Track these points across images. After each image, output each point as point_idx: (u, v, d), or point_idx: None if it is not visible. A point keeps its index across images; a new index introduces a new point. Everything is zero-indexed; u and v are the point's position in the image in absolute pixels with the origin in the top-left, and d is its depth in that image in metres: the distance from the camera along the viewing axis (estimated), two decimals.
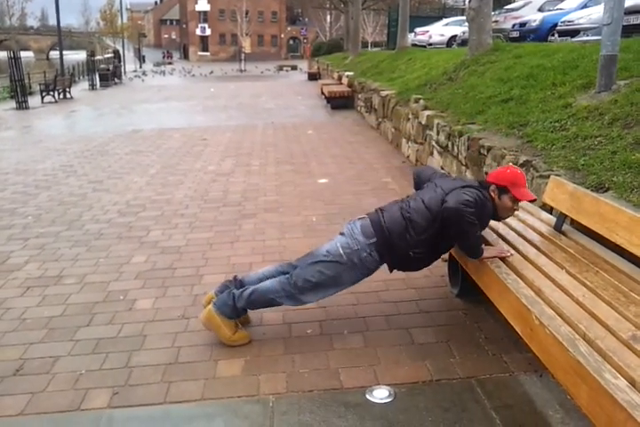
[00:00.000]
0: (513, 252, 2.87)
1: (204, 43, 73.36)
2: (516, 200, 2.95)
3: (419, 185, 3.33)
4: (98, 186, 6.70)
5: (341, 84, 16.01)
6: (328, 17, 51.37)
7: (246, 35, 55.35)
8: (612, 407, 1.71)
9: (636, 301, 2.25)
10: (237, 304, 2.97)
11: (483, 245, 2.90)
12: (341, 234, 3.05)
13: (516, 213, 3.43)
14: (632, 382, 1.76)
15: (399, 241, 2.91)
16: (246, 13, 55.54)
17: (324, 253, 2.96)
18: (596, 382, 1.78)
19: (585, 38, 8.78)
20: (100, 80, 25.48)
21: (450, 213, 2.75)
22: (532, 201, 3.04)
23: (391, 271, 3.13)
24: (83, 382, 2.71)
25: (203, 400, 2.56)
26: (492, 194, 2.95)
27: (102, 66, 28.53)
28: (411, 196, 3.16)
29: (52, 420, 2.46)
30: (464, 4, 32.53)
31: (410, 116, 7.86)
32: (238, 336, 3.01)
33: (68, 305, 3.53)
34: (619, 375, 1.79)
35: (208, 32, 72.39)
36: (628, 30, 6.65)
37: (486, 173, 4.65)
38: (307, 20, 73.48)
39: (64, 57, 24.92)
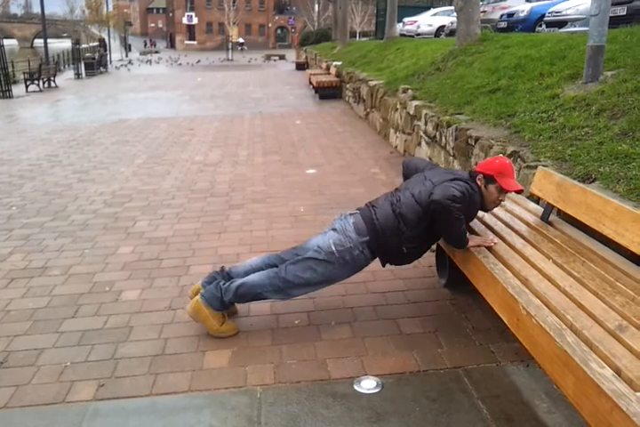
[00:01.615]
0: (498, 240, 2.87)
1: (190, 31, 72.65)
2: (502, 190, 2.94)
3: (407, 176, 3.31)
4: (83, 176, 6.63)
5: (329, 73, 15.92)
6: (316, 6, 50.97)
7: (234, 24, 54.90)
8: (598, 397, 1.71)
9: (621, 291, 2.26)
10: (225, 298, 2.94)
11: (468, 235, 2.91)
12: (333, 230, 2.99)
13: (502, 202, 3.45)
14: (617, 372, 1.77)
15: (392, 238, 2.90)
16: (233, 2, 55.19)
17: (315, 249, 2.92)
18: (583, 371, 1.79)
19: (572, 29, 8.78)
20: (86, 69, 25.14)
21: (437, 206, 2.75)
22: (518, 192, 3.03)
23: (384, 266, 3.15)
24: (68, 374, 2.69)
25: (190, 392, 2.55)
26: (479, 182, 2.95)
27: (88, 54, 28.17)
28: (400, 189, 3.12)
29: (36, 412, 2.43)
30: None
31: (398, 107, 7.84)
32: (226, 328, 3.00)
33: (53, 297, 3.49)
34: (605, 365, 1.80)
35: (195, 21, 71.66)
36: (615, 21, 6.67)
37: (475, 164, 4.66)
38: (295, 9, 73.00)
39: (49, 45, 24.53)
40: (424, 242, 3.02)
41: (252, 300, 3.04)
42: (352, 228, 2.93)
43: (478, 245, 2.85)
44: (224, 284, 2.97)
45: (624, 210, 2.53)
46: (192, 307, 2.99)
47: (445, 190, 2.76)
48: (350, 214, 3.05)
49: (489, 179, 2.94)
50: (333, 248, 2.88)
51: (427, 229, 2.91)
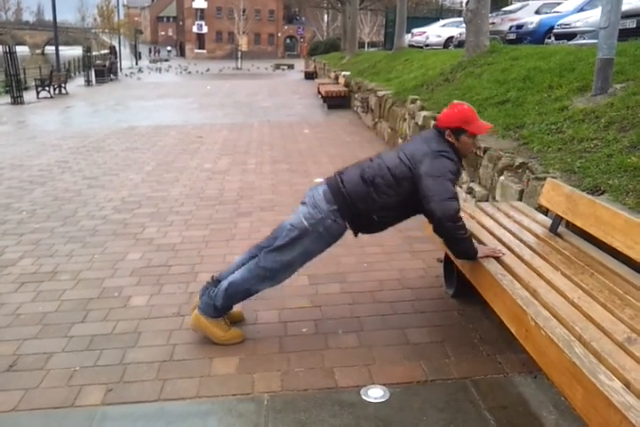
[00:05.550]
0: (506, 251, 2.87)
1: (200, 40, 73.25)
2: (473, 136, 2.88)
3: None
4: (93, 182, 6.68)
5: (338, 83, 16.00)
6: (325, 16, 51.33)
7: (243, 33, 55.35)
8: (607, 409, 1.71)
9: (630, 303, 2.26)
10: (216, 303, 2.94)
11: (475, 244, 2.87)
12: (303, 204, 2.90)
13: (511, 213, 3.46)
14: (627, 384, 1.77)
15: (361, 205, 2.80)
16: (243, 11, 55.59)
17: (288, 228, 2.84)
18: (592, 383, 1.79)
19: (581, 41, 8.80)
20: (96, 76, 25.38)
21: (437, 225, 2.75)
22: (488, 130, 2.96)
23: (356, 236, 3.03)
24: (77, 378, 2.70)
25: (197, 398, 2.56)
26: (450, 139, 2.83)
27: (98, 62, 28.43)
28: (373, 158, 2.99)
29: (45, 416, 2.45)
30: (461, 6, 32.64)
31: (406, 117, 7.87)
32: (231, 335, 3.01)
33: (63, 301, 3.52)
34: (614, 377, 1.80)
35: (205, 30, 72.32)
36: (625, 34, 6.67)
37: (476, 169, 4.67)
38: (304, 19, 73.41)
39: (60, 52, 24.75)
40: (398, 213, 2.93)
41: (245, 297, 3.00)
42: (321, 197, 2.83)
43: (486, 256, 2.82)
44: (213, 291, 2.97)
45: (633, 222, 2.53)
46: (192, 320, 3.03)
47: (442, 205, 2.69)
48: (319, 185, 2.94)
49: (457, 131, 2.82)
50: (305, 223, 2.79)
51: (401, 203, 2.82)
